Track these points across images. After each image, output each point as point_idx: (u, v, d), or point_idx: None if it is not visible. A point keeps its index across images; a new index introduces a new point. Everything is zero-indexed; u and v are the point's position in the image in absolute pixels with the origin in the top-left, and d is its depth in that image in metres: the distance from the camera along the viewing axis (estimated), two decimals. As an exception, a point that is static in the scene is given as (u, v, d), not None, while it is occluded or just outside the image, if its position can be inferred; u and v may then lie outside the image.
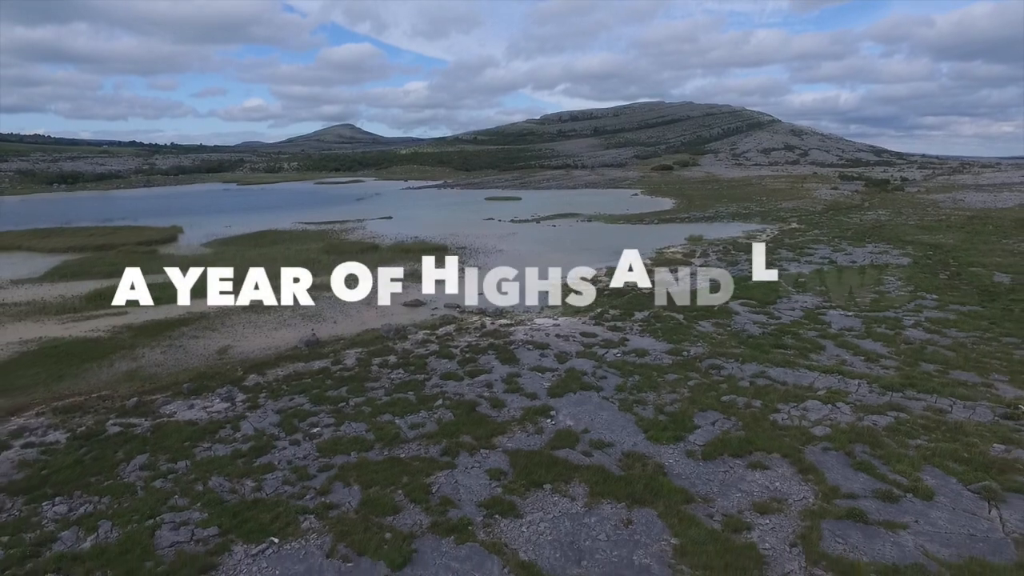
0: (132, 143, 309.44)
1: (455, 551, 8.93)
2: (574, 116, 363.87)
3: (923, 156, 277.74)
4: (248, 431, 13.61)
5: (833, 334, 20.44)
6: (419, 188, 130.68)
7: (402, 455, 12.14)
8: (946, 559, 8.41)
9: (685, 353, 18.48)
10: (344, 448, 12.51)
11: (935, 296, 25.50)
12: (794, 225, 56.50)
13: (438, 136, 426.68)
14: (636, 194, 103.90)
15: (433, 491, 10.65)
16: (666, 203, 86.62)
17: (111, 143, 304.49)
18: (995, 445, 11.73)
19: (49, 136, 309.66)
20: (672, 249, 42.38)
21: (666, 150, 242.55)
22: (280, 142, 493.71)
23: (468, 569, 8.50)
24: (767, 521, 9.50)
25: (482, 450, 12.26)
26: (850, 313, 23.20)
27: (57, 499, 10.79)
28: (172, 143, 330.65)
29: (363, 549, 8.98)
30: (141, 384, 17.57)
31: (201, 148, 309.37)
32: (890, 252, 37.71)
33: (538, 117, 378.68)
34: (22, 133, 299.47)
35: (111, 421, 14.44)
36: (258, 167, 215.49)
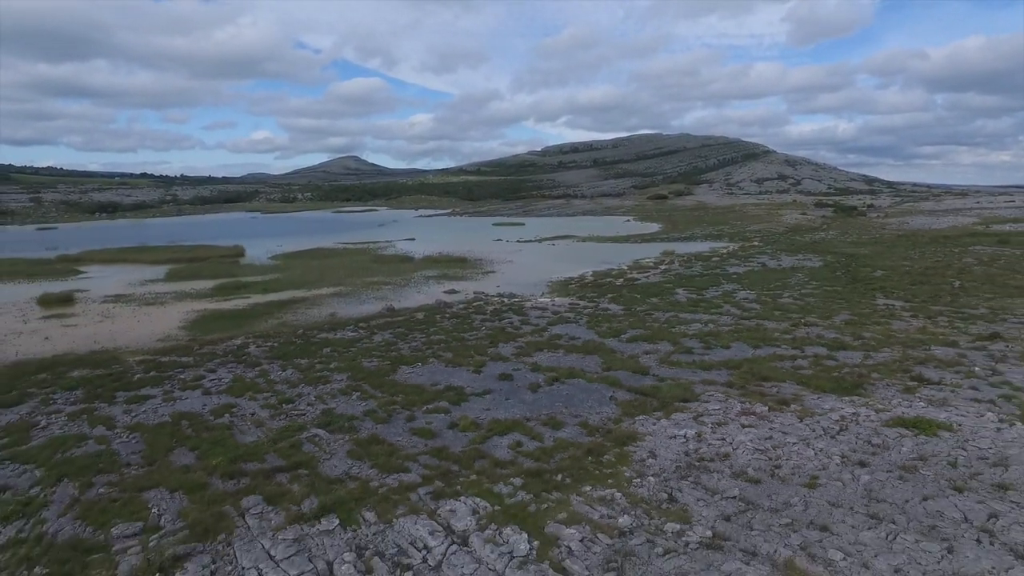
0: (143, 175, 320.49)
1: (504, 364, 19.71)
2: (575, 148, 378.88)
3: (914, 185, 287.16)
4: (378, 340, 24.44)
5: (734, 301, 31.24)
6: (431, 216, 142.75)
7: (468, 344, 22.95)
8: (717, 361, 19.21)
9: (632, 309, 29.34)
10: (436, 343, 23.33)
11: (817, 282, 36.38)
12: (755, 243, 67.61)
13: (442, 167, 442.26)
14: (628, 220, 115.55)
15: (489, 352, 21.44)
16: (653, 227, 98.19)
17: (122, 175, 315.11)
18: (777, 334, 22.55)
19: (61, 168, 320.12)
20: (647, 260, 53.41)
21: (663, 180, 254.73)
22: (286, 173, 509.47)
23: (511, 368, 19.22)
24: (649, 356, 20.30)
25: (511, 342, 23.07)
26: (752, 292, 34.04)
27: (299, 359, 21.59)
28: (182, 175, 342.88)
29: (459, 364, 19.76)
30: (294, 328, 28.41)
31: (211, 179, 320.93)
32: (812, 259, 48.69)
33: (540, 149, 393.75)
34: (35, 165, 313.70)
35: (293, 340, 25.26)
36: (273, 198, 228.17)
